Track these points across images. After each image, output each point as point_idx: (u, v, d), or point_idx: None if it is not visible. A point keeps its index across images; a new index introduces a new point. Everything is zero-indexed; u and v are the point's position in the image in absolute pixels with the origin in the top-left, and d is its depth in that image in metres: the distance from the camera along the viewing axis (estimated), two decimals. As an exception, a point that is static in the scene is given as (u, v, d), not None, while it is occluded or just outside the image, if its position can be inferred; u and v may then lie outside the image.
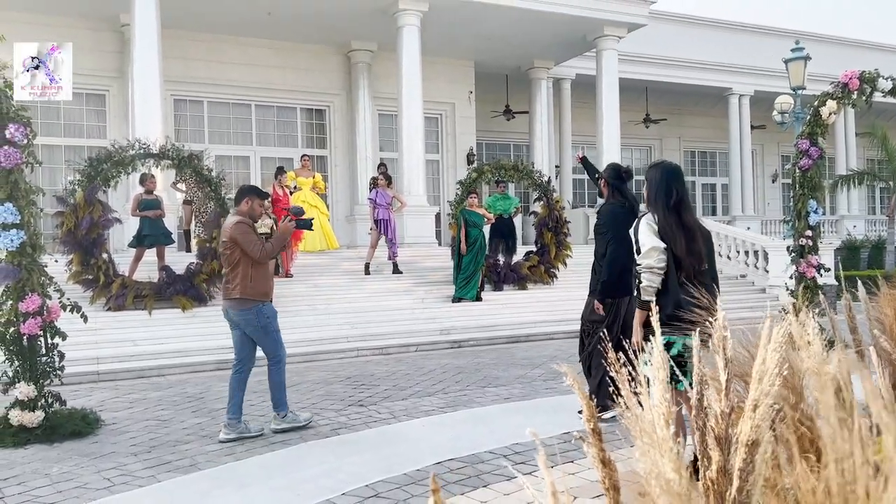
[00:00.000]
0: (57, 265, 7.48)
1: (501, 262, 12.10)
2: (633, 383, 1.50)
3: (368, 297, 10.77)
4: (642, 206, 4.00)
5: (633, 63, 18.28)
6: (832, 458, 1.02)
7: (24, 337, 5.18)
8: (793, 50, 13.99)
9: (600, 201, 6.39)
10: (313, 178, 13.13)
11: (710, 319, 1.74)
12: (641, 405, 1.40)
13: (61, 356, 5.35)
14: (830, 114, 7.58)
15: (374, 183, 12.44)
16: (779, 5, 57.28)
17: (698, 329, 1.82)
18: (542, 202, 12.50)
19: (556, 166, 19.26)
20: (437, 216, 15.14)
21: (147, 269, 9.74)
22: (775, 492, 1.40)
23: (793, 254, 7.96)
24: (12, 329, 5.17)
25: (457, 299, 10.95)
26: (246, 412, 5.26)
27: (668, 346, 3.30)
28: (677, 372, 3.12)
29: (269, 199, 11.32)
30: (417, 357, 8.83)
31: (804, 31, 20.71)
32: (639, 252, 3.50)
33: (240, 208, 5.18)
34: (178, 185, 11.54)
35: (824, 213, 8.19)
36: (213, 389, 6.96)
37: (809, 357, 1.64)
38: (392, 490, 3.82)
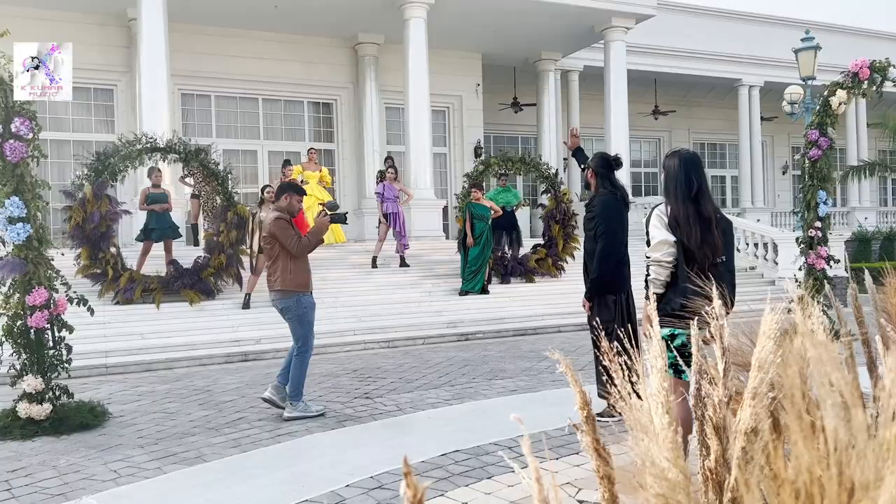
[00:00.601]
0: (65, 259, 7.53)
1: (508, 255, 12.07)
2: (630, 373, 1.48)
3: (376, 290, 10.78)
4: (659, 198, 3.91)
5: (641, 54, 18.15)
6: (832, 445, 1.00)
7: (32, 330, 5.21)
8: (803, 40, 13.86)
9: (589, 194, 5.91)
10: (320, 171, 13.14)
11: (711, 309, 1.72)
12: (639, 395, 1.39)
13: (68, 349, 5.38)
14: (840, 103, 7.50)
15: (380, 177, 12.43)
16: (790, -5, 56.69)
17: (696, 319, 1.80)
18: (549, 195, 12.45)
19: (564, 159, 19.17)
20: (445, 209, 15.12)
21: (155, 263, 9.78)
22: (777, 483, 1.38)
23: (802, 245, 7.89)
24: (20, 322, 5.20)
25: (464, 292, 10.94)
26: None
27: (672, 337, 3.27)
28: (681, 363, 3.09)
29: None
30: (424, 350, 8.83)
31: (815, 21, 20.49)
32: (648, 244, 3.45)
33: (279, 204, 5.45)
34: (186, 180, 11.56)
35: (834, 205, 8.12)
36: (220, 382, 6.98)
37: (814, 346, 1.62)
38: (397, 481, 3.82)
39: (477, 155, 16.80)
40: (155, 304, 9.20)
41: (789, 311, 1.74)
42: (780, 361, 1.17)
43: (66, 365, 5.38)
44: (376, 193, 12.07)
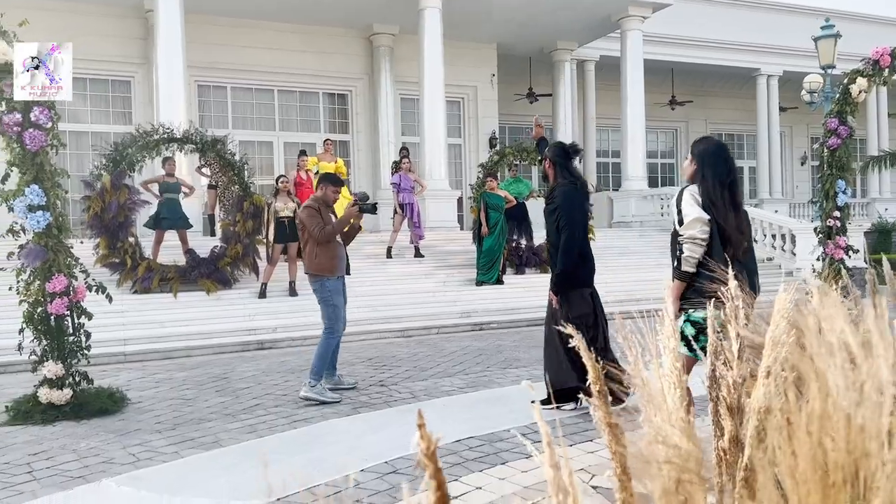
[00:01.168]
0: (84, 249, 7.62)
1: (523, 246, 12.05)
2: (643, 353, 1.49)
3: (390, 280, 10.81)
4: (674, 188, 3.84)
5: (658, 44, 18.00)
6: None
7: (52, 317, 5.28)
8: (823, 28, 13.67)
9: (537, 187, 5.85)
10: (335, 162, 13.17)
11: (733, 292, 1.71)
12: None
13: (88, 336, 5.45)
14: (861, 91, 7.40)
15: (395, 167, 12.44)
16: (810, -16, 55.78)
17: (713, 301, 1.80)
18: (564, 185, 12.39)
19: (581, 149, 19.08)
20: (459, 200, 15.11)
21: (172, 253, 9.87)
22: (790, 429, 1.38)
23: (820, 235, 7.82)
24: (40, 309, 5.27)
25: (479, 283, 10.94)
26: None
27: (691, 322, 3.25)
28: (695, 345, 3.06)
29: (295, 182, 11.41)
30: (439, 339, 8.86)
31: (834, 9, 20.19)
32: (681, 223, 3.37)
33: (316, 194, 5.85)
34: (203, 170, 11.65)
35: (854, 195, 8.04)
36: (237, 370, 7.05)
37: (831, 330, 1.61)
38: (411, 467, 3.84)
39: (492, 146, 16.76)
40: (172, 293, 9.29)
41: (806, 294, 1.74)
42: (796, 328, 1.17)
43: (86, 351, 5.45)
44: (391, 184, 12.09)
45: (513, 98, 18.62)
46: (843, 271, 6.90)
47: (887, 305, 2.31)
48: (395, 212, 11.84)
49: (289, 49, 15.11)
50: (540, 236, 12.54)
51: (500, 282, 11.06)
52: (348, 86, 16.13)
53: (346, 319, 5.91)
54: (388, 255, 11.67)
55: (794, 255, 13.00)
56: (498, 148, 14.88)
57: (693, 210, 3.35)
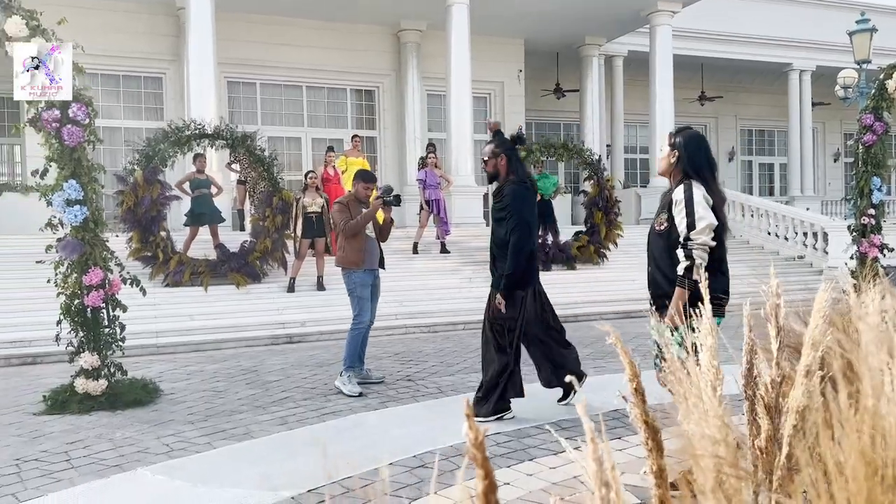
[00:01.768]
0: (117, 243, 7.76)
1: (550, 242, 12.00)
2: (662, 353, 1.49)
3: (416, 276, 10.85)
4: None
5: (687, 39, 17.79)
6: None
7: (88, 309, 5.40)
8: (858, 22, 13.41)
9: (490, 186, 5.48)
10: (363, 158, 13.24)
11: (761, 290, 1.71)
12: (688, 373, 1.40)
13: (122, 328, 5.56)
14: (897, 87, 7.26)
15: (422, 163, 12.47)
16: (844, -23, 54.56)
17: (748, 301, 1.79)
18: (592, 181, 12.34)
19: (608, 145, 18.98)
20: (485, 196, 15.09)
21: (202, 248, 10.02)
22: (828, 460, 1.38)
23: (854, 233, 7.69)
24: (77, 301, 5.40)
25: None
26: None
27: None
28: (688, 347, 3.02)
29: (322, 178, 11.49)
30: (465, 335, 8.88)
31: (870, 3, 19.77)
32: (690, 226, 3.25)
33: (351, 190, 6.09)
34: (233, 166, 11.82)
35: (889, 193, 7.89)
36: (266, 363, 7.14)
37: (868, 329, 1.60)
38: (439, 461, 3.87)
39: (520, 141, 16.66)
40: (203, 286, 9.43)
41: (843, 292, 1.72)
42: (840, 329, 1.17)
43: (121, 343, 5.57)
44: (418, 180, 12.12)
45: (539, 94, 18.54)
46: (881, 268, 6.79)
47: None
48: (422, 208, 11.88)
49: (317, 46, 15.20)
50: (565, 233, 12.53)
51: (526, 278, 11.01)
52: (376, 82, 16.19)
53: (375, 313, 5.99)
54: (415, 251, 11.72)
55: (826, 253, 12.80)
56: (525, 143, 14.78)
57: (708, 214, 3.25)
